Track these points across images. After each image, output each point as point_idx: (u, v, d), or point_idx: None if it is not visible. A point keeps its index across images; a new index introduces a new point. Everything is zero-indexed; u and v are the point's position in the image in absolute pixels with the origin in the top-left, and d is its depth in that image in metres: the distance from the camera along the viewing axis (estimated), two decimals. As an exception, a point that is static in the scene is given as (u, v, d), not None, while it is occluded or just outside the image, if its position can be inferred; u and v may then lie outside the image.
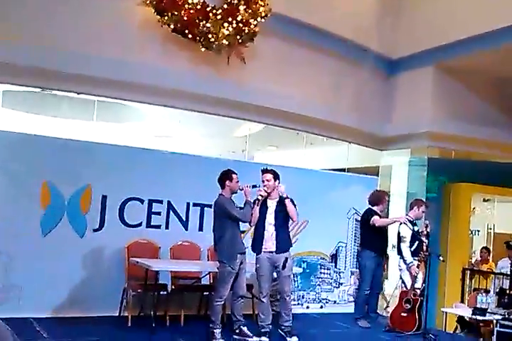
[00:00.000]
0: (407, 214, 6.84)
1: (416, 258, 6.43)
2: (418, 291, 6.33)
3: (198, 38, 6.43)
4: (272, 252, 5.58)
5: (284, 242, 5.63)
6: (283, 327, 5.62)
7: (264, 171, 5.73)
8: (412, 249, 6.51)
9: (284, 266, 5.56)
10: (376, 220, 6.69)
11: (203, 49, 6.78)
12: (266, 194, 5.63)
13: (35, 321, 5.48)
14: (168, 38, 6.50)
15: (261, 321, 5.60)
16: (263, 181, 5.68)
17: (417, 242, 6.51)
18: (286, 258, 5.57)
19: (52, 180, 5.97)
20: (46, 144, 6.02)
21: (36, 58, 5.78)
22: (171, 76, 6.86)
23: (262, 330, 5.54)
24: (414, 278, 6.36)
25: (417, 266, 6.35)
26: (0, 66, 5.64)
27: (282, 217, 5.66)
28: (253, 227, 5.81)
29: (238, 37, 6.63)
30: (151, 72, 6.76)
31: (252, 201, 5.54)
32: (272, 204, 5.69)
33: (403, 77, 8.79)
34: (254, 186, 5.58)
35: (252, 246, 5.70)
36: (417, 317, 6.25)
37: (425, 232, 6.42)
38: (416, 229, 6.62)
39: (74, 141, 6.25)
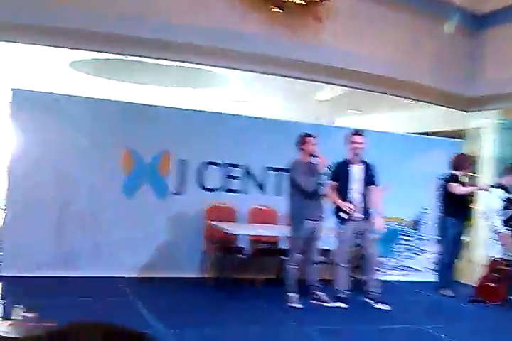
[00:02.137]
0: (499, 181, 6.45)
1: (508, 228, 6.12)
2: (509, 262, 6.02)
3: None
4: (358, 220, 5.48)
5: (369, 209, 5.54)
6: (370, 294, 5.55)
7: (357, 133, 5.65)
8: (505, 217, 6.17)
9: (370, 231, 5.48)
10: (454, 188, 6.32)
11: (275, 9, 6.63)
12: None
13: (120, 280, 5.70)
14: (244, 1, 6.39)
15: (339, 287, 5.56)
16: (353, 143, 5.56)
17: (509, 211, 6.15)
18: (372, 223, 5.48)
19: (134, 146, 6.12)
20: (127, 110, 6.16)
21: (116, 25, 5.85)
22: (245, 39, 6.76)
23: (342, 296, 5.50)
24: (504, 248, 6.06)
25: (511, 236, 6.02)
26: (84, 33, 5.76)
27: (366, 184, 5.53)
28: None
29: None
30: (226, 36, 6.69)
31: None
32: (357, 171, 5.55)
33: (492, 33, 8.21)
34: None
35: (338, 215, 5.55)
36: (505, 288, 5.98)
37: None
38: (509, 196, 6.23)
39: (153, 106, 6.35)
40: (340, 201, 5.48)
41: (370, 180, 5.57)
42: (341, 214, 5.50)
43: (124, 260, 5.94)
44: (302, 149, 5.45)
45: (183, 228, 6.29)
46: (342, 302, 5.43)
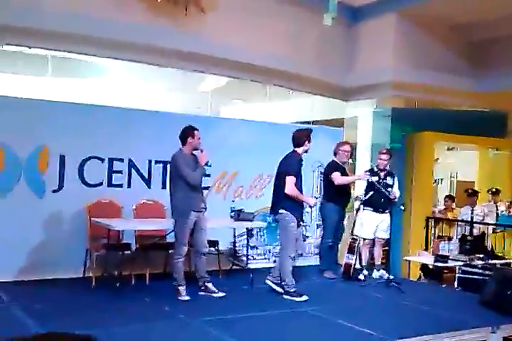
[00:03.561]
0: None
1: (368, 208, 6.61)
2: (356, 237, 6.52)
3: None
4: None
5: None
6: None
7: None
8: (366, 197, 6.61)
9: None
10: (335, 177, 6.61)
11: (159, -1, 6.53)
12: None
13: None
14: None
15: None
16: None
17: (371, 192, 6.57)
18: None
19: (6, 141, 5.77)
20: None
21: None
22: (127, 28, 6.60)
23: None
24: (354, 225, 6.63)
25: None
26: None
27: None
28: None
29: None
30: (106, 25, 6.49)
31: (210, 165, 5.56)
32: None
33: (366, 25, 8.63)
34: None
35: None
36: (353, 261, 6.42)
37: (383, 182, 6.56)
38: (375, 179, 6.67)
39: (26, 99, 6.00)
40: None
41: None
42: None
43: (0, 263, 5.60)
44: (186, 142, 5.42)
45: (65, 227, 6.04)
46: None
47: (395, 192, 6.81)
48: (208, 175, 6.12)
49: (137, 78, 10.01)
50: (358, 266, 6.59)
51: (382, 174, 6.78)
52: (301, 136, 5.71)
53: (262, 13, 7.59)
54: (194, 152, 5.48)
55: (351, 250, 6.45)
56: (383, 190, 6.62)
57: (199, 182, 5.45)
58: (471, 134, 9.46)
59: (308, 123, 9.41)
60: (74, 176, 6.17)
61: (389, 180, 6.80)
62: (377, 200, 6.65)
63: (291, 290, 5.51)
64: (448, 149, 11.38)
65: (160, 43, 6.87)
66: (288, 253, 5.56)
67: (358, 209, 6.67)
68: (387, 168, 6.90)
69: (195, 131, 5.44)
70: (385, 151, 6.93)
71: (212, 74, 8.39)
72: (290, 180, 5.51)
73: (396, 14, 8.21)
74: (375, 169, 6.85)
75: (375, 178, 6.70)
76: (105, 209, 6.08)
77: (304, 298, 5.45)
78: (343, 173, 6.78)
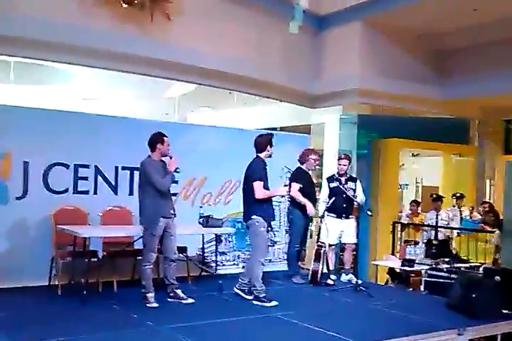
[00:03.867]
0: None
1: (332, 214, 6.68)
2: (321, 243, 6.56)
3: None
4: None
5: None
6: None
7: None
8: (329, 203, 6.65)
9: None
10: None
11: (124, 5, 6.51)
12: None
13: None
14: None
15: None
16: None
17: (333, 198, 6.63)
18: None
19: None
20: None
21: None
22: (92, 35, 6.55)
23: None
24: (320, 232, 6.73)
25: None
26: None
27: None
28: None
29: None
30: (71, 31, 6.42)
31: (179, 172, 5.48)
32: None
33: (332, 33, 8.75)
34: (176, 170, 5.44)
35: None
36: (320, 266, 6.47)
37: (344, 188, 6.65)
38: (334, 185, 6.76)
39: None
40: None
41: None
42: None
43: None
44: (155, 148, 5.38)
45: (30, 234, 5.91)
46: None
47: (359, 195, 6.85)
48: (176, 182, 6.07)
49: (104, 85, 9.94)
50: (325, 270, 6.63)
51: (343, 179, 6.83)
52: (263, 142, 5.72)
53: (228, 19, 7.62)
54: (163, 158, 5.45)
55: (317, 256, 6.49)
56: (348, 194, 6.64)
57: (168, 189, 5.42)
58: (435, 141, 9.65)
59: (276, 129, 9.47)
60: (38, 183, 6.06)
61: (350, 185, 6.85)
62: (339, 206, 6.67)
63: (261, 296, 5.50)
64: (413, 155, 11.59)
65: (126, 50, 6.84)
66: (258, 258, 5.55)
67: (322, 216, 6.70)
68: (348, 172, 6.96)
69: (165, 138, 5.41)
70: (343, 157, 6.99)
71: (179, 81, 8.38)
72: (258, 186, 5.52)
73: (362, 22, 8.34)
74: (336, 175, 6.89)
75: (334, 184, 6.75)
76: (71, 216, 5.97)
77: (274, 303, 5.44)
78: (309, 181, 6.87)
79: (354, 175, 7.43)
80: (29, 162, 5.99)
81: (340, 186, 6.70)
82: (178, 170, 5.47)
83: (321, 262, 6.46)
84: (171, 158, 5.41)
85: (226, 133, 7.52)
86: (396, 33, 8.56)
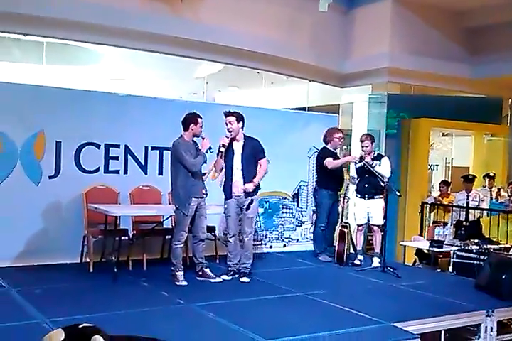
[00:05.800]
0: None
1: (357, 194, 6.62)
2: (346, 224, 6.64)
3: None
4: (239, 196, 5.57)
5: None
6: (240, 268, 5.70)
7: (227, 114, 5.58)
8: (356, 185, 6.63)
9: (247, 208, 5.57)
10: (328, 162, 6.63)
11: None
12: (227, 142, 5.52)
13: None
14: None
15: (228, 260, 5.70)
16: (226, 124, 5.55)
17: (358, 179, 6.61)
18: (252, 200, 5.58)
19: (2, 127, 5.74)
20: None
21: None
22: (122, 14, 6.58)
23: (229, 269, 5.64)
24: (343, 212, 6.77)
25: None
26: None
27: (248, 161, 5.58)
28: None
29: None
30: (101, 11, 6.46)
31: (212, 151, 5.49)
32: (237, 148, 5.59)
33: (361, 12, 8.62)
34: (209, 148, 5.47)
35: (224, 191, 5.67)
36: (345, 247, 6.52)
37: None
38: (359, 165, 6.59)
39: (22, 85, 5.97)
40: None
41: (251, 156, 5.63)
42: (225, 191, 5.63)
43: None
44: (188, 128, 5.39)
45: (62, 213, 6.03)
46: (227, 275, 5.60)
47: (381, 169, 6.50)
48: (205, 162, 6.11)
49: (132, 65, 9.97)
50: (352, 251, 6.63)
51: (368, 158, 6.63)
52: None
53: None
54: (194, 138, 5.47)
55: (342, 237, 6.49)
56: (373, 172, 6.46)
57: (199, 169, 5.44)
58: (466, 120, 9.49)
59: (304, 109, 9.42)
60: (70, 162, 6.15)
61: (376, 164, 6.72)
62: (362, 186, 6.58)
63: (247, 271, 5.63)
64: (443, 135, 11.41)
65: (155, 30, 6.85)
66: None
67: (344, 197, 6.65)
68: (375, 151, 6.85)
69: (199, 119, 5.41)
70: (363, 138, 6.77)
71: (208, 61, 8.36)
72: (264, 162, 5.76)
73: (392, 0, 8.18)
74: (363, 154, 6.75)
75: (359, 164, 6.65)
76: (102, 195, 6.07)
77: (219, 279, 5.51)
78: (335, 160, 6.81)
79: (382, 154, 7.31)
80: (61, 142, 6.08)
81: (365, 166, 6.60)
82: (211, 150, 5.49)
83: (346, 242, 6.47)
84: (203, 138, 5.42)
85: (254, 112, 7.50)
86: (427, 11, 8.39)
